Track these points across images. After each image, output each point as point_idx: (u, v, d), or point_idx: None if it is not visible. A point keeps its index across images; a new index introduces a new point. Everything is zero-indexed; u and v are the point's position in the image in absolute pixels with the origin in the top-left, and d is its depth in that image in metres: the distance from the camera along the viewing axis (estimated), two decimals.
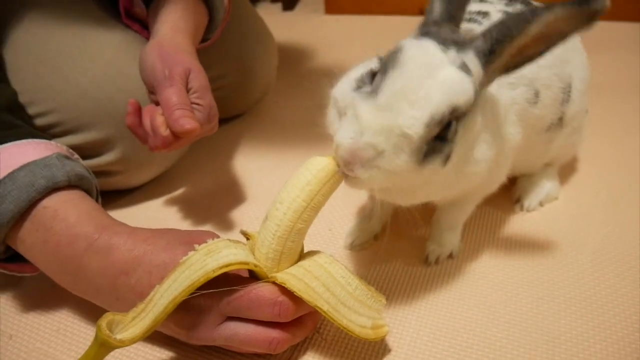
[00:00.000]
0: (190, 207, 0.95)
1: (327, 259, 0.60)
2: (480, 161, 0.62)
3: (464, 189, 0.66)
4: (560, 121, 0.80)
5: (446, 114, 0.52)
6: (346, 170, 0.53)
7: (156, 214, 0.94)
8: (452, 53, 0.55)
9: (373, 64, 0.57)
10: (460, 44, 0.56)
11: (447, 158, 0.55)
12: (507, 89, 0.68)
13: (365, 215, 0.85)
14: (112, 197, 0.96)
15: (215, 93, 1.14)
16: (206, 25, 0.94)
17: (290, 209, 0.55)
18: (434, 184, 0.59)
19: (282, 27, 1.84)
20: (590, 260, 0.78)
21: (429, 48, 0.54)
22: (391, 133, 0.51)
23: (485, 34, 0.55)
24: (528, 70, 0.69)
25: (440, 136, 0.54)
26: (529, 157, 0.83)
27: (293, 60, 1.58)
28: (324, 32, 1.84)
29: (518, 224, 0.87)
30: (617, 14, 1.71)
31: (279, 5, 2.16)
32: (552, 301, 0.71)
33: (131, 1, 0.92)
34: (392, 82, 0.52)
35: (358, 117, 0.52)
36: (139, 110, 0.79)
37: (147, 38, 0.87)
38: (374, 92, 0.53)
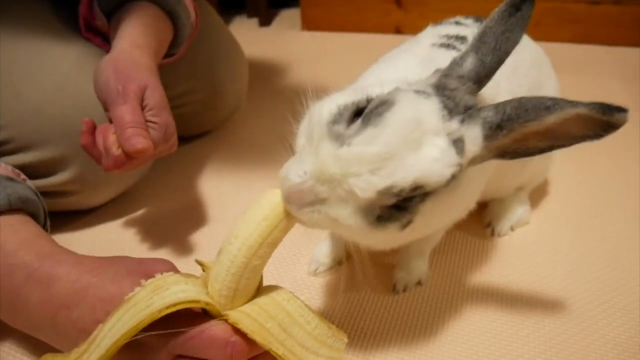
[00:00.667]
0: (149, 230, 0.91)
1: (286, 296, 0.57)
2: (448, 216, 0.59)
3: (436, 226, 0.63)
4: None
5: (406, 189, 0.48)
6: (287, 206, 0.51)
7: (113, 236, 0.90)
8: (454, 124, 0.51)
9: (362, 96, 0.53)
10: (470, 114, 0.52)
11: (406, 225, 0.52)
12: None
13: (329, 239, 0.82)
14: (67, 219, 0.92)
15: (182, 109, 1.13)
16: (171, 40, 0.92)
17: (245, 245, 0.52)
18: (392, 240, 0.56)
19: (257, 42, 1.83)
20: (562, 287, 0.77)
21: (427, 112, 0.50)
22: (339, 185, 0.48)
23: (498, 106, 0.51)
24: (502, 98, 0.68)
25: (398, 205, 0.50)
26: (501, 182, 0.82)
27: (267, 76, 1.57)
28: (300, 48, 1.83)
29: (489, 249, 0.86)
30: (593, 38, 1.74)
31: (255, 21, 2.15)
32: (521, 330, 0.70)
33: (92, 14, 0.90)
34: (366, 139, 0.48)
35: (317, 156, 0.49)
36: (93, 129, 0.76)
37: (108, 52, 0.84)
38: (344, 138, 0.49)
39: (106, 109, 0.76)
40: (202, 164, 1.11)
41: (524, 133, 0.51)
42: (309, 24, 2.02)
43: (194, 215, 0.95)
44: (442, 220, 0.59)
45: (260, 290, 0.58)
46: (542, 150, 0.52)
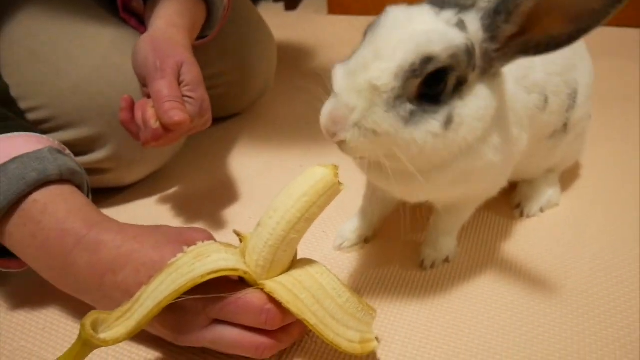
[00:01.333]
0: (183, 206, 0.95)
1: (320, 269, 0.59)
2: (498, 149, 0.61)
3: (472, 188, 0.65)
4: (564, 127, 0.80)
5: (417, 62, 0.51)
6: (332, 138, 0.55)
7: (148, 212, 0.93)
8: (448, 13, 0.54)
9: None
10: (464, 6, 0.55)
11: (447, 121, 0.54)
12: (523, 93, 0.68)
13: (357, 216, 0.84)
14: (104, 195, 0.96)
15: (212, 91, 1.14)
16: (204, 22, 0.94)
17: (284, 219, 0.55)
18: (444, 171, 0.58)
19: (283, 26, 1.84)
20: (590, 268, 0.78)
21: (416, 9, 0.55)
22: (361, 89, 0.52)
23: None
24: (541, 77, 0.71)
25: (431, 95, 0.54)
26: (531, 163, 0.82)
27: (293, 60, 1.58)
28: (325, 32, 1.84)
29: (517, 229, 0.87)
30: (620, 19, 1.71)
31: (281, 5, 2.16)
32: (549, 309, 0.71)
33: None
34: (365, 44, 0.54)
35: (333, 85, 0.55)
36: (132, 106, 0.79)
37: (143, 34, 0.87)
38: (349, 59, 0.55)
39: (144, 85, 0.79)
40: (233, 144, 1.14)
41: (526, 14, 0.52)
42: (334, 8, 2.02)
43: (224, 192, 0.98)
44: (492, 147, 0.60)
45: (295, 263, 0.60)
46: (573, 36, 0.52)
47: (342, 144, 0.55)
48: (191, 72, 0.78)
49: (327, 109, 0.55)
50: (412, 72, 0.52)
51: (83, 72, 0.87)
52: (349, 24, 1.92)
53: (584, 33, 0.52)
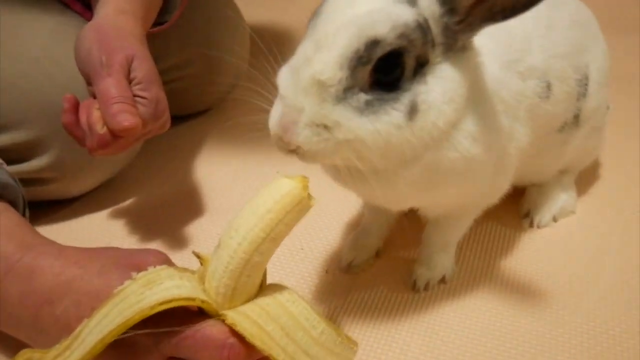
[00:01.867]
0: (138, 222, 0.95)
1: (290, 297, 0.60)
2: (476, 138, 0.61)
3: (458, 190, 0.66)
4: (576, 119, 0.81)
5: (362, 48, 0.53)
6: (284, 147, 0.57)
7: (97, 229, 0.94)
8: None
9: None
10: None
11: (411, 110, 0.56)
12: (516, 79, 0.69)
13: (362, 228, 0.85)
14: (45, 209, 0.96)
15: (173, 85, 1.14)
16: (161, 6, 0.95)
17: (246, 240, 0.55)
18: (418, 164, 0.59)
19: (259, 4, 1.84)
20: (611, 286, 0.79)
21: None
22: (306, 86, 0.54)
23: None
24: (540, 61, 0.72)
25: (389, 82, 0.55)
26: (539, 163, 0.83)
27: (271, 45, 1.59)
28: (311, 10, 1.85)
29: (526, 243, 0.88)
30: None
31: None
32: (555, 339, 0.72)
33: None
34: (307, 36, 0.57)
35: (279, 87, 0.57)
36: (76, 107, 0.79)
37: (90, 20, 0.88)
38: (293, 57, 0.58)
39: (89, 83, 0.79)
40: (197, 148, 1.14)
41: None
42: None
43: (187, 205, 0.98)
44: (467, 135, 0.61)
45: (263, 289, 0.61)
46: None
47: (298, 152, 0.56)
48: (143, 67, 0.78)
49: (275, 116, 0.57)
50: (358, 59, 0.54)
51: (19, 66, 0.87)
52: None
53: None
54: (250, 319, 0.56)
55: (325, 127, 0.55)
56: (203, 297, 0.57)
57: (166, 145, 1.14)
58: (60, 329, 0.58)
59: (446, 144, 0.60)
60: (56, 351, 0.55)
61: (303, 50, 0.56)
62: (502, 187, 0.74)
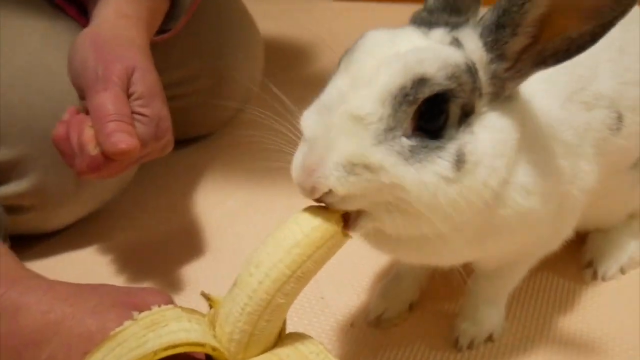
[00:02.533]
0: (128, 260, 0.98)
1: (315, 348, 0.61)
2: (530, 191, 0.63)
3: (512, 243, 0.69)
4: None
5: (408, 84, 0.55)
6: (311, 193, 0.56)
7: (81, 268, 0.96)
8: (438, 32, 0.60)
9: None
10: (456, 24, 0.61)
11: (458, 160, 0.57)
12: (579, 111, 0.72)
13: (395, 276, 0.87)
14: (24, 244, 0.98)
15: (178, 103, 1.18)
16: (166, 11, 0.99)
17: (269, 277, 0.57)
18: (465, 228, 0.61)
19: (274, 16, 1.91)
20: None
21: (399, 30, 0.60)
22: (340, 124, 0.56)
23: (494, 6, 0.59)
24: (609, 88, 0.74)
25: (432, 130, 0.57)
26: (607, 205, 0.86)
27: (287, 60, 1.63)
28: (330, 23, 1.91)
29: (588, 298, 0.89)
30: None
31: None
32: None
33: None
34: (340, 73, 0.59)
35: (303, 129, 0.58)
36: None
37: (85, 27, 0.91)
38: (320, 95, 0.59)
39: (82, 97, 0.82)
40: (198, 177, 1.18)
41: (537, 20, 0.57)
42: None
43: (185, 242, 1.01)
44: (520, 190, 0.63)
45: (282, 338, 0.63)
46: (594, 35, 0.57)
47: (328, 198, 0.56)
48: (145, 80, 0.82)
49: (298, 159, 0.57)
50: (403, 97, 0.55)
51: (2, 74, 0.90)
52: (359, 12, 1.99)
53: (608, 27, 0.57)
54: None
55: (366, 167, 0.55)
56: (214, 343, 0.58)
57: (163, 172, 1.17)
58: None
59: (497, 202, 0.62)
60: None
61: (336, 86, 0.58)
62: (564, 233, 0.76)
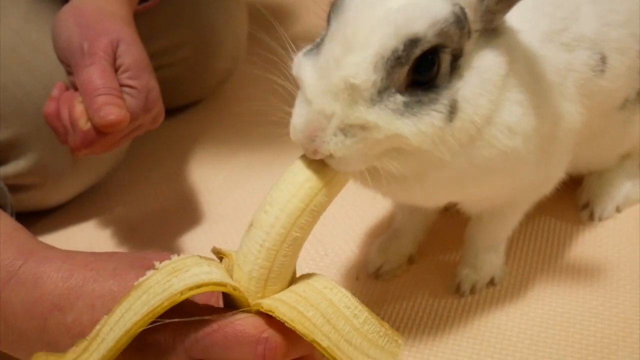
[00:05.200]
0: (129, 232, 1.04)
1: (327, 284, 0.66)
2: (513, 130, 0.69)
3: (503, 184, 0.75)
4: (639, 96, 0.90)
5: (400, 47, 0.60)
6: (313, 154, 0.63)
7: (82, 240, 1.02)
8: None
9: None
10: None
11: (451, 110, 0.64)
12: (559, 50, 0.77)
13: (394, 231, 0.94)
14: (24, 221, 1.02)
15: (164, 72, 1.22)
16: None
17: (285, 212, 0.62)
18: (456, 161, 0.66)
19: None
20: None
21: None
22: (337, 91, 0.61)
23: None
24: (591, 30, 0.80)
25: (425, 82, 0.63)
26: (598, 146, 0.92)
27: (272, 23, 1.68)
28: None
29: (586, 237, 0.97)
30: None
31: None
32: (623, 341, 0.80)
33: None
34: (332, 33, 0.63)
35: (302, 87, 0.63)
36: None
37: (67, 1, 0.95)
38: (318, 52, 0.64)
39: (70, 73, 0.87)
40: (192, 145, 1.23)
41: None
42: None
43: (184, 212, 1.07)
44: (506, 130, 0.68)
45: (295, 279, 0.68)
46: None
47: (328, 160, 0.63)
48: (131, 52, 0.86)
49: (300, 122, 0.63)
50: (395, 59, 0.60)
51: None
52: None
53: None
54: (288, 305, 0.62)
55: (362, 127, 0.62)
56: (234, 283, 0.64)
57: (157, 143, 1.22)
58: (73, 339, 0.64)
59: (481, 142, 0.68)
60: (74, 354, 0.61)
61: (330, 51, 0.62)
62: (555, 176, 0.83)
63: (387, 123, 0.62)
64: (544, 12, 0.78)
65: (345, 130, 0.62)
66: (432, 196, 0.74)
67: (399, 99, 0.62)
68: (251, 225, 0.64)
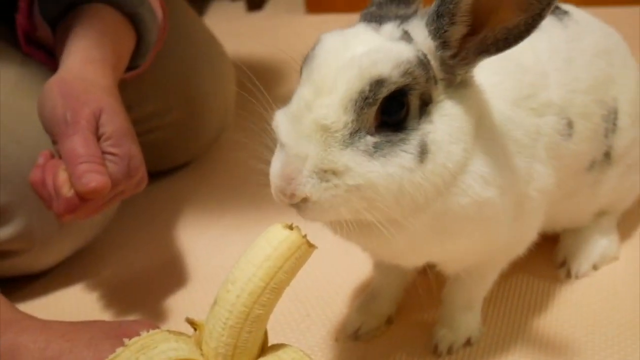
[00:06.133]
0: (116, 294, 1.05)
1: (296, 355, 0.68)
2: (487, 180, 0.71)
3: (477, 241, 0.76)
4: (607, 157, 0.93)
5: (367, 88, 0.64)
6: (289, 200, 0.66)
7: (70, 305, 1.04)
8: (388, 27, 0.69)
9: None
10: (405, 16, 0.69)
11: (421, 151, 0.66)
12: (528, 115, 0.80)
13: (371, 292, 0.95)
14: (12, 286, 1.06)
15: (152, 136, 1.27)
16: (133, 49, 1.07)
17: (245, 291, 0.64)
18: (432, 207, 0.69)
19: (245, 33, 1.99)
20: None
21: (351, 31, 0.68)
22: (310, 133, 0.64)
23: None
24: (558, 96, 0.83)
25: (394, 124, 0.66)
26: (571, 205, 0.94)
27: (261, 79, 1.70)
28: (305, 37, 1.98)
29: (563, 296, 0.97)
30: None
31: (241, 4, 2.33)
32: None
33: (33, 24, 1.06)
34: (303, 81, 0.67)
35: (278, 135, 0.66)
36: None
37: (55, 70, 0.99)
38: (291, 101, 0.68)
39: (54, 142, 0.90)
40: (179, 207, 1.25)
41: (470, 11, 0.66)
42: (313, 5, 2.18)
43: (170, 274, 1.09)
44: (477, 178, 0.71)
45: (265, 349, 0.70)
46: (525, 27, 0.65)
47: (304, 206, 0.66)
48: (113, 121, 0.90)
49: (277, 167, 0.66)
50: (363, 100, 0.64)
51: None
52: (335, 25, 2.06)
53: (539, 19, 0.65)
54: None
55: (334, 172, 0.65)
56: (202, 359, 0.66)
57: (144, 206, 1.25)
58: None
59: (456, 189, 0.70)
60: None
61: (301, 96, 0.66)
62: (528, 235, 0.85)
63: (358, 165, 0.65)
64: (513, 77, 0.81)
65: (320, 174, 0.65)
66: (411, 251, 0.76)
67: (370, 139, 0.65)
68: (215, 303, 0.66)
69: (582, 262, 1.02)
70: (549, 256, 1.05)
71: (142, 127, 0.97)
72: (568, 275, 1.02)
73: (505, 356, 0.89)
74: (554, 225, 0.98)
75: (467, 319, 0.91)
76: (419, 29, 0.68)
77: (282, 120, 0.68)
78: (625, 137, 0.94)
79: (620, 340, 0.90)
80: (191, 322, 0.71)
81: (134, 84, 1.11)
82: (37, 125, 0.95)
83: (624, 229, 1.09)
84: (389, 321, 0.96)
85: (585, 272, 1.02)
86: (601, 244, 1.03)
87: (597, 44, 0.93)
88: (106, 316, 1.02)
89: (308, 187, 0.65)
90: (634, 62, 1.00)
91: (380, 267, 0.95)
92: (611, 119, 0.92)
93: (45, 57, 1.10)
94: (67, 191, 0.84)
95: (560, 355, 0.88)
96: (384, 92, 0.65)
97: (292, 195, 0.65)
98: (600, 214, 1.04)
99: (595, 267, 1.03)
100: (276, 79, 1.71)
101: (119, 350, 0.65)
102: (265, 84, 1.75)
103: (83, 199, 0.84)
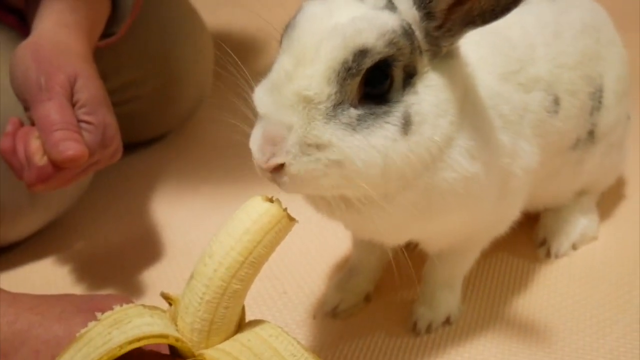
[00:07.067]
0: (90, 268, 1.03)
1: (273, 332, 0.67)
2: (473, 155, 0.70)
3: (460, 217, 0.75)
4: (590, 135, 0.92)
5: (350, 58, 0.62)
6: (268, 175, 0.64)
7: (41, 278, 1.02)
8: None
9: None
10: None
11: (405, 123, 0.65)
12: (517, 91, 0.79)
13: (350, 269, 0.94)
14: None
15: (128, 106, 1.24)
16: (109, 16, 1.04)
17: (223, 265, 0.62)
18: (419, 182, 0.68)
19: (224, 5, 1.93)
20: (636, 324, 0.88)
21: (335, 3, 0.65)
22: (292, 103, 0.63)
23: None
24: (545, 71, 0.82)
25: (378, 95, 0.64)
26: (553, 184, 0.94)
27: (239, 53, 1.67)
28: (287, 5, 1.95)
29: (542, 275, 0.97)
30: None
31: None
32: None
33: None
34: (283, 51, 0.65)
35: (257, 107, 0.65)
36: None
37: (27, 36, 0.95)
38: (270, 72, 0.66)
39: (27, 108, 0.87)
40: (156, 181, 1.23)
41: None
42: None
43: (146, 248, 1.07)
44: (463, 152, 0.70)
45: (242, 326, 0.69)
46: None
47: (283, 179, 0.64)
48: (88, 88, 0.87)
49: (258, 134, 0.64)
50: (346, 71, 0.62)
51: None
52: None
53: None
54: (231, 356, 0.63)
55: (317, 147, 0.63)
56: (177, 334, 0.64)
57: (119, 177, 1.22)
58: None
59: (442, 164, 0.69)
60: None
61: (282, 65, 0.64)
62: (510, 213, 0.84)
63: (341, 140, 0.63)
64: (500, 52, 0.80)
65: (303, 147, 0.63)
66: (394, 228, 0.75)
67: (353, 112, 0.64)
68: (191, 277, 0.65)
69: (562, 242, 1.02)
70: (529, 235, 1.04)
71: (118, 97, 0.95)
72: (548, 254, 1.02)
73: (485, 335, 0.89)
74: (536, 203, 0.97)
75: (447, 297, 0.90)
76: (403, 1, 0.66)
77: (261, 93, 0.66)
78: (610, 116, 0.94)
79: (598, 321, 0.90)
80: (166, 297, 0.69)
81: (110, 53, 1.08)
82: (7, 90, 0.92)
83: (603, 210, 1.09)
84: (367, 299, 0.95)
85: (565, 252, 1.02)
86: (581, 223, 1.03)
87: (584, 19, 0.92)
88: (78, 290, 1.00)
89: (290, 156, 0.63)
90: (619, 39, 0.99)
91: (360, 244, 0.94)
92: (597, 97, 0.91)
93: (16, 21, 1.06)
94: (39, 159, 0.82)
95: (538, 334, 0.88)
96: (368, 62, 0.63)
97: (273, 156, 0.63)
98: (581, 193, 1.04)
99: (574, 247, 1.03)
100: (257, 50, 1.69)
101: (91, 324, 0.63)
102: (245, 55, 1.74)
103: (58, 168, 0.82)
